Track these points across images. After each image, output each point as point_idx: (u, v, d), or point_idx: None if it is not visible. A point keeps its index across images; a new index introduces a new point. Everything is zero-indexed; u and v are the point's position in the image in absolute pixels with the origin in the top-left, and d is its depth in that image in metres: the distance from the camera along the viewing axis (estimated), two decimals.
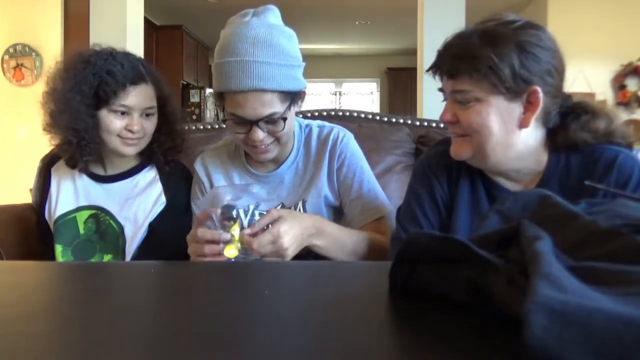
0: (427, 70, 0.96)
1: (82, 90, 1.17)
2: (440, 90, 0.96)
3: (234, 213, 0.94)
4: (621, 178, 0.87)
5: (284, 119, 1.07)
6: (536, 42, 0.87)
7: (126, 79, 1.17)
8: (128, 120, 1.20)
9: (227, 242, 0.93)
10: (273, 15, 1.09)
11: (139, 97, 1.20)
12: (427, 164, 1.05)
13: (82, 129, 1.18)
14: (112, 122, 1.19)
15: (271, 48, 1.03)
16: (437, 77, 0.95)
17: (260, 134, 1.07)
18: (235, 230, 0.94)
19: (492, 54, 0.85)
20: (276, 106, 1.05)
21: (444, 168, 1.02)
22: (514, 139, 0.90)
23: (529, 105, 0.88)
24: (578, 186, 0.88)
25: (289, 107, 1.08)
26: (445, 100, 0.96)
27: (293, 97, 1.09)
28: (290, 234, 0.95)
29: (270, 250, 0.94)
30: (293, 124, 1.17)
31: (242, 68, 1.02)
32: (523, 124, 0.89)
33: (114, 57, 1.21)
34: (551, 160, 0.94)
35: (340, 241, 1.06)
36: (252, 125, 1.06)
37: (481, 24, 0.91)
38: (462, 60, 0.88)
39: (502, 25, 0.88)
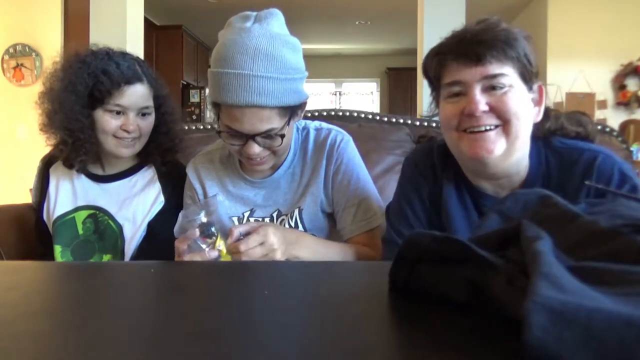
0: (435, 56, 0.91)
1: (78, 90, 1.16)
2: (454, 83, 0.88)
3: (213, 229, 0.92)
4: (601, 180, 0.85)
5: (282, 136, 1.03)
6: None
7: (121, 78, 1.17)
8: (124, 119, 1.19)
9: (217, 259, 0.91)
10: (277, 22, 1.02)
11: (134, 96, 1.19)
12: (414, 162, 1.04)
13: (77, 129, 1.17)
14: (108, 121, 1.18)
15: (272, 61, 0.97)
16: (433, 73, 0.93)
17: (256, 149, 1.03)
18: (220, 244, 0.92)
19: (523, 40, 0.85)
20: (274, 122, 1.00)
21: (429, 167, 1.01)
22: (529, 132, 0.89)
23: (536, 100, 0.89)
24: (558, 189, 0.86)
25: (287, 122, 1.03)
26: (454, 95, 0.89)
27: (293, 110, 1.04)
28: (278, 235, 0.93)
29: (260, 253, 0.90)
30: (291, 137, 1.12)
31: (240, 82, 0.96)
32: (536, 117, 0.90)
33: (109, 57, 1.20)
34: (532, 166, 0.92)
35: (321, 254, 1.02)
36: (248, 139, 1.02)
37: (481, 22, 0.89)
38: (497, 43, 0.84)
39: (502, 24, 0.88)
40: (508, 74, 0.84)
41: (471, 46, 0.84)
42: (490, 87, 0.85)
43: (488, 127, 0.86)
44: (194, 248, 0.91)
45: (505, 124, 0.85)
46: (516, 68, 0.85)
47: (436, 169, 1.00)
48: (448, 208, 0.97)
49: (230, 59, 0.97)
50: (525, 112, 0.86)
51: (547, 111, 0.93)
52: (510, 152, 0.87)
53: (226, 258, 0.92)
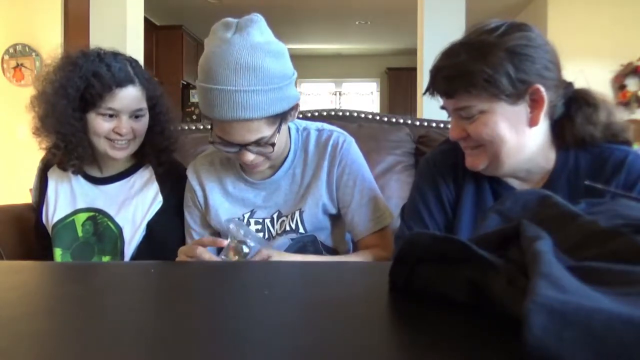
0: (424, 93, 0.96)
1: (69, 93, 1.15)
2: (442, 108, 0.96)
3: (245, 248, 0.96)
4: (630, 178, 0.88)
5: (273, 144, 1.04)
6: (526, 43, 0.86)
7: (112, 81, 1.15)
8: (116, 122, 1.18)
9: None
10: (257, 30, 1.00)
11: (126, 99, 1.18)
12: (432, 163, 1.05)
13: (69, 132, 1.17)
14: (100, 124, 1.18)
15: (255, 73, 0.96)
16: (437, 97, 0.95)
17: (250, 156, 1.05)
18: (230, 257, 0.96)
19: (485, 67, 0.85)
20: (264, 131, 1.01)
21: (450, 167, 1.02)
22: (526, 139, 0.90)
23: (534, 103, 0.88)
24: (588, 186, 0.88)
25: (278, 129, 1.04)
26: (449, 117, 0.96)
27: (283, 116, 1.04)
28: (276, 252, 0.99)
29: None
30: (284, 140, 1.12)
31: (225, 98, 0.96)
32: (532, 123, 0.89)
33: (100, 59, 1.18)
34: (560, 159, 0.94)
35: None
36: (241, 148, 1.04)
37: (465, 37, 0.91)
38: (455, 79, 0.88)
39: (486, 35, 0.88)
40: (475, 104, 0.88)
41: (438, 84, 0.92)
42: (463, 115, 0.91)
43: (468, 148, 0.94)
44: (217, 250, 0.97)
45: (481, 146, 0.92)
46: (485, 93, 0.86)
47: (458, 168, 1.01)
48: (463, 197, 0.99)
49: (214, 74, 0.97)
50: (505, 129, 0.89)
51: (587, 118, 0.92)
52: (497, 164, 0.92)
53: None
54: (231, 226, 0.99)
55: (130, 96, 1.19)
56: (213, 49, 0.99)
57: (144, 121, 1.23)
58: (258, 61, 0.97)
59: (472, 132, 0.91)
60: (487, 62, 0.85)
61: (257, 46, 0.98)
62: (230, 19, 1.01)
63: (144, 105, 1.22)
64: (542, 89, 0.86)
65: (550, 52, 0.90)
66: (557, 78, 0.91)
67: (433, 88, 0.93)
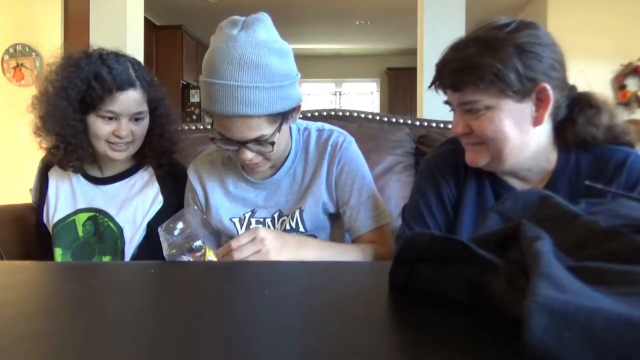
0: (429, 87, 0.95)
1: (70, 95, 1.15)
2: (446, 103, 0.96)
3: (199, 243, 0.87)
4: (631, 178, 0.88)
5: (272, 143, 1.04)
6: (534, 40, 0.87)
7: (113, 84, 1.15)
8: (116, 125, 1.18)
9: None
10: (263, 29, 1.00)
11: (126, 102, 1.18)
12: (434, 164, 1.05)
13: (69, 134, 1.17)
14: (100, 127, 1.18)
15: (259, 70, 0.96)
16: (440, 91, 0.95)
17: (249, 155, 1.05)
18: (210, 255, 0.89)
19: (494, 61, 0.85)
20: (264, 129, 1.01)
21: (451, 168, 1.02)
22: (529, 138, 0.90)
23: (540, 102, 0.88)
24: (588, 186, 0.88)
25: (278, 128, 1.04)
26: (451, 110, 0.96)
27: (284, 116, 1.04)
28: (271, 233, 0.95)
29: (251, 250, 0.92)
30: (285, 141, 1.12)
31: (227, 93, 0.96)
32: (537, 122, 0.89)
33: (102, 61, 1.18)
34: (561, 159, 0.94)
35: (327, 256, 1.03)
36: (240, 145, 1.04)
37: (473, 32, 0.91)
38: (464, 72, 0.87)
39: (496, 30, 0.88)
40: (482, 99, 0.88)
41: (445, 77, 0.91)
42: (468, 110, 0.90)
43: (470, 144, 0.94)
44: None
45: (484, 142, 0.91)
46: (493, 87, 0.86)
47: (459, 168, 1.01)
48: (465, 197, 0.99)
49: (217, 68, 0.97)
50: (509, 127, 0.89)
51: (588, 119, 0.92)
52: (499, 161, 0.92)
53: None
54: (160, 232, 0.88)
55: (130, 99, 1.18)
56: (218, 44, 1.00)
57: (144, 124, 1.23)
58: (262, 58, 0.97)
59: (477, 127, 0.90)
60: (497, 56, 0.85)
61: (262, 44, 0.98)
62: (237, 17, 1.01)
63: (145, 108, 1.22)
64: (548, 87, 0.87)
65: (557, 52, 0.90)
66: (563, 79, 0.91)
67: (439, 82, 0.93)
